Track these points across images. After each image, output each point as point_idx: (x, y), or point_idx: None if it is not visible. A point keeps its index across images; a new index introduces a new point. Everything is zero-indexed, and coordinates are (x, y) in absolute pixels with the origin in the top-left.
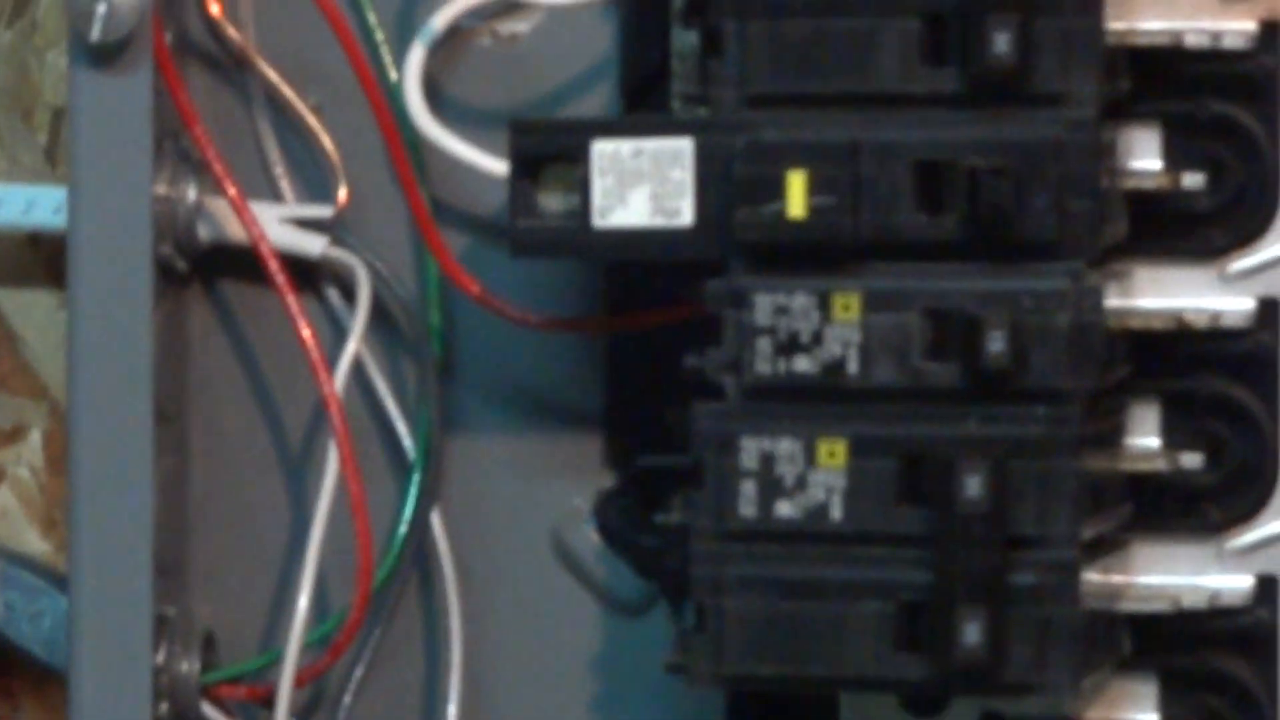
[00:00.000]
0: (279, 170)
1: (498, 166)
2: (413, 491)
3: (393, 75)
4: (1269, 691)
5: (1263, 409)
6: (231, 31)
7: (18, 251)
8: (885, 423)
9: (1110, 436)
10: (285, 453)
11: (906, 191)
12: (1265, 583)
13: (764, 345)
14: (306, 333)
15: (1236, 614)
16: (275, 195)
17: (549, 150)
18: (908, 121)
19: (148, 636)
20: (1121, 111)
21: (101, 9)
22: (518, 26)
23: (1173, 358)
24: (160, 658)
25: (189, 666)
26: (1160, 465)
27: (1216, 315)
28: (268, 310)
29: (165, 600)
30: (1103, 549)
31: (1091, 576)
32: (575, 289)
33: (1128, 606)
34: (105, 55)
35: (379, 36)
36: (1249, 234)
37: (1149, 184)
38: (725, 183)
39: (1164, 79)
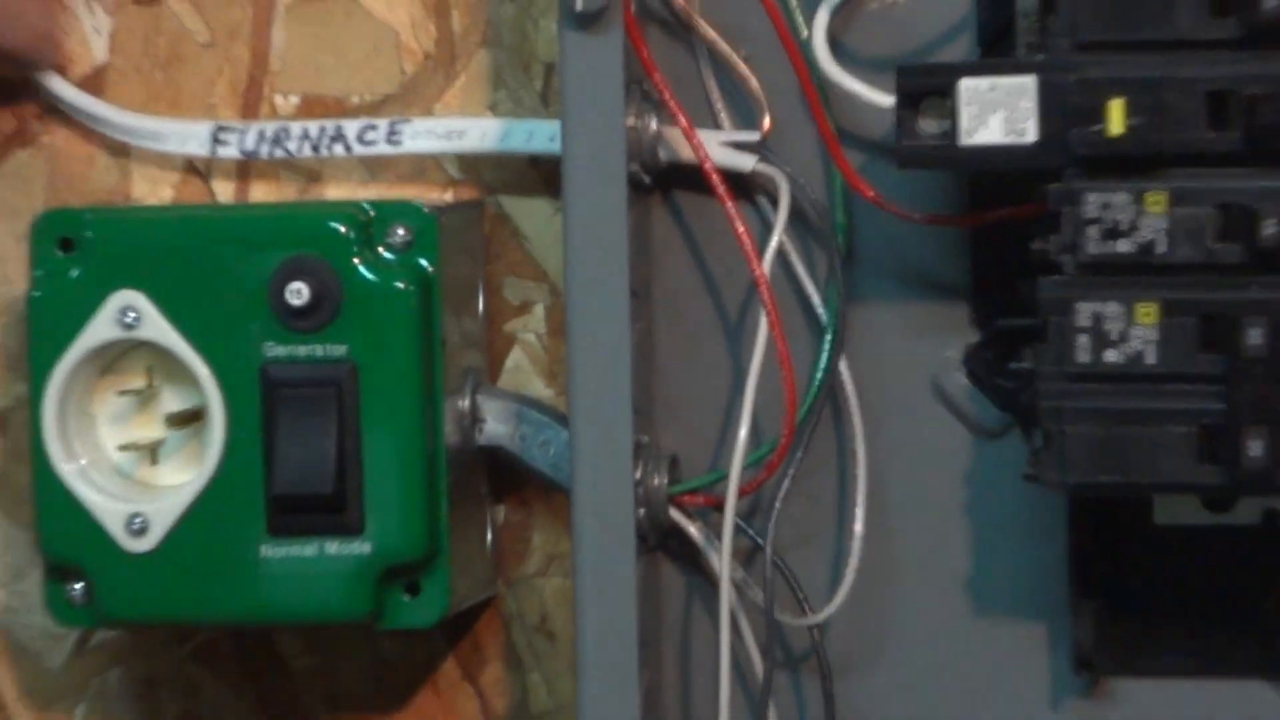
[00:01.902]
0: (718, 106)
1: (886, 100)
2: (825, 347)
3: (804, 32)
4: None
5: None
6: (680, 0)
7: (521, 170)
8: (1187, 290)
9: None
10: (726, 320)
11: (1200, 114)
12: None
13: (1093, 232)
14: (741, 229)
15: None
16: (715, 124)
17: (927, 87)
18: (1200, 61)
19: (629, 459)
20: None
21: None
22: None
23: None
24: (638, 475)
25: (659, 481)
26: None
27: None
28: (711, 212)
29: (640, 431)
30: None
31: None
32: (947, 193)
33: None
34: (586, 21)
35: (793, 3)
36: None
37: None
38: (1061, 109)
39: None
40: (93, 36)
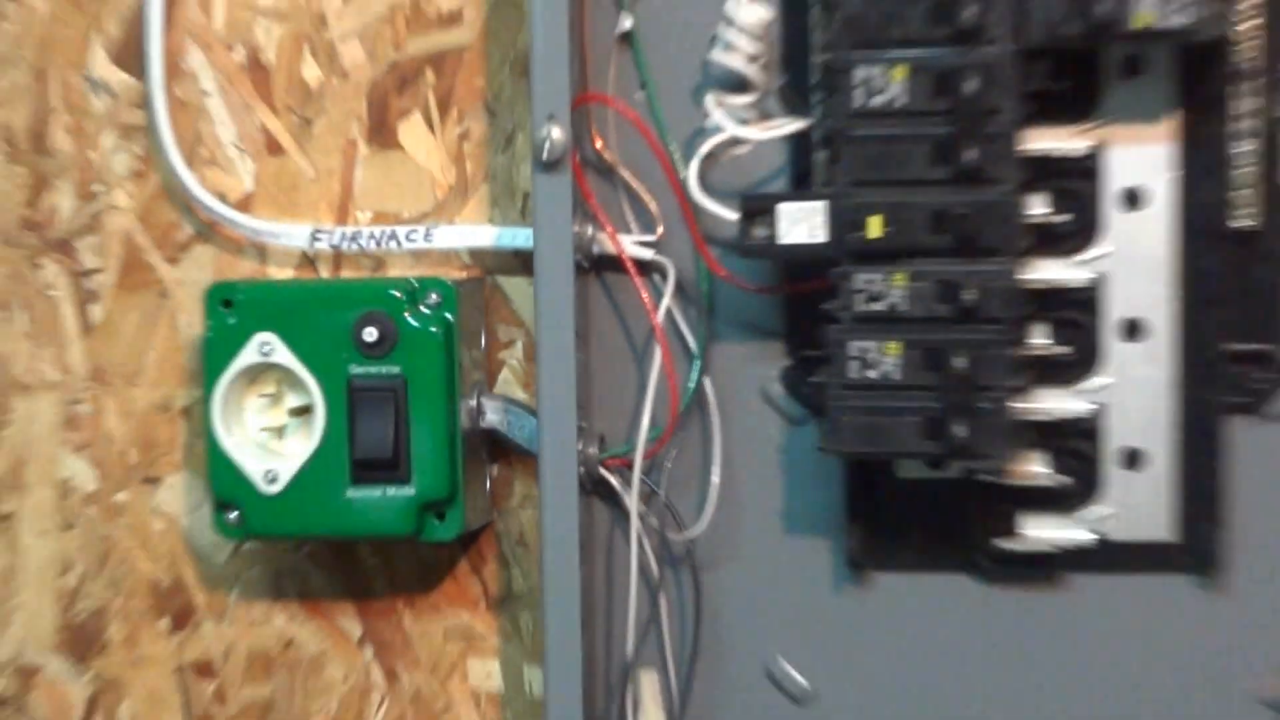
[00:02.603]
0: (630, 218)
1: (733, 215)
2: (695, 368)
3: (683, 174)
4: (1093, 457)
5: (1086, 318)
6: (607, 154)
7: (509, 259)
8: (917, 334)
9: (1024, 338)
10: (635, 351)
11: (927, 225)
12: (1094, 416)
13: (860, 298)
14: (645, 295)
15: (1080, 421)
16: (628, 230)
17: (758, 208)
18: (927, 192)
19: (574, 436)
20: (1027, 185)
21: (548, 144)
22: (741, 150)
23: (1052, 303)
24: (579, 446)
25: (593, 450)
26: (1044, 350)
27: (1064, 281)
28: (626, 285)
29: (581, 419)
30: (1021, 391)
31: (1016, 404)
32: (770, 272)
33: (1033, 418)
34: (550, 167)
35: (677, 156)
36: (1081, 243)
37: (1038, 219)
38: (841, 222)
39: (1043, 168)
40: (245, 176)
